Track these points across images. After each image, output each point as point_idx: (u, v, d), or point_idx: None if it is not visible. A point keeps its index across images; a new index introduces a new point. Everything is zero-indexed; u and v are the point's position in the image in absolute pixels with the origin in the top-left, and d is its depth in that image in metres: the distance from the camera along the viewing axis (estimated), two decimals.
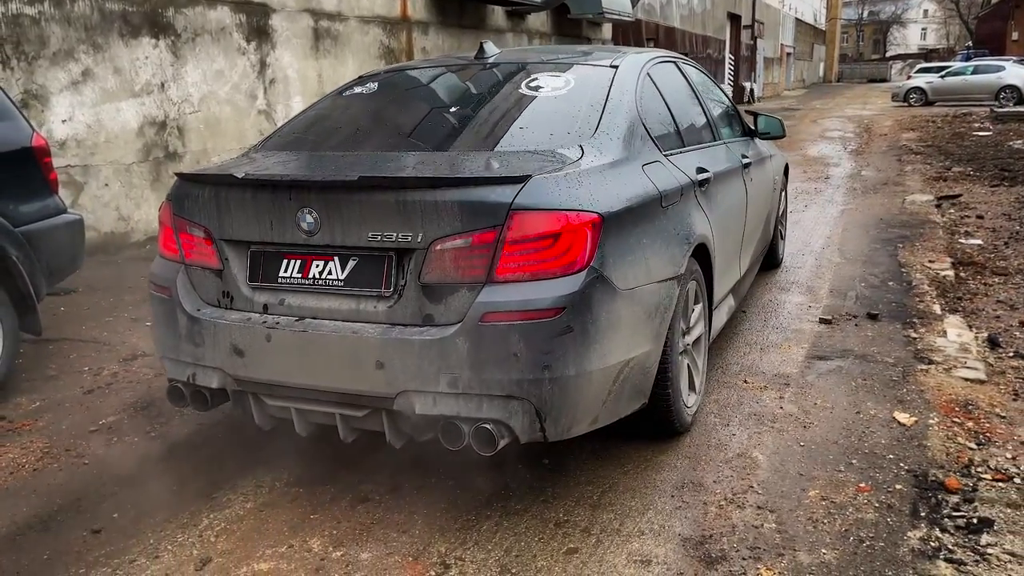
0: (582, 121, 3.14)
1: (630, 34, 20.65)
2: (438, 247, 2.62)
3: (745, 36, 34.02)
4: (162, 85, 7.84)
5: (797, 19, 48.36)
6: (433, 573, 2.59)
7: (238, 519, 2.94)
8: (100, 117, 7.26)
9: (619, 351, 2.80)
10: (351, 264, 2.77)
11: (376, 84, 3.77)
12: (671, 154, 3.51)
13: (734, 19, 32.64)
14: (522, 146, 3.00)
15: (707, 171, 3.74)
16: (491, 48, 3.85)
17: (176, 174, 3.11)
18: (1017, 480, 3.04)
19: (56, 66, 6.86)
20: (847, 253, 6.86)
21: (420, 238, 2.63)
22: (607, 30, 19.45)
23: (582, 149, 2.96)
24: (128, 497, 3.13)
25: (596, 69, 3.53)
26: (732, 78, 32.89)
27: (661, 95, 3.76)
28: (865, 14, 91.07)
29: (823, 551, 2.62)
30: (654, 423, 3.28)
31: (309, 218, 2.74)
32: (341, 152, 3.16)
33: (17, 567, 2.69)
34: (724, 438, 3.45)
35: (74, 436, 3.69)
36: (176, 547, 2.77)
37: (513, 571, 2.57)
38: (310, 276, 2.83)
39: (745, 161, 4.59)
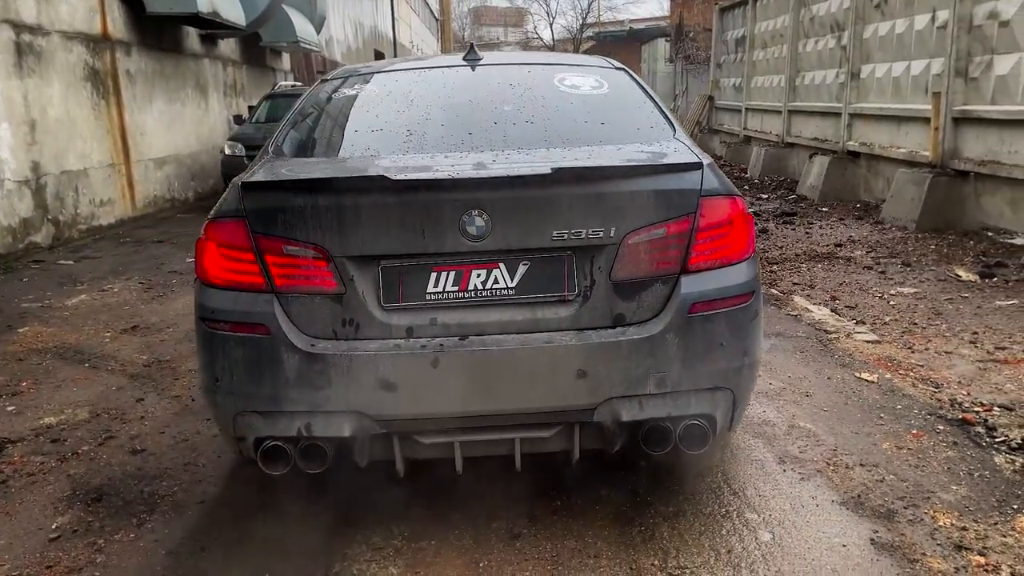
0: (648, 118, 3.13)
1: (303, 66, 20.28)
2: (631, 240, 2.47)
3: None
4: None
5: None
6: None
7: None
8: None
9: None
10: (522, 269, 2.48)
11: (386, 84, 3.34)
12: None
13: (379, 56, 33.64)
14: (624, 140, 2.91)
15: None
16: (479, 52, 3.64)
17: (247, 183, 2.50)
18: (997, 410, 3.67)
19: None
20: None
21: (612, 232, 2.46)
22: (287, 60, 18.88)
23: (680, 143, 2.96)
24: None
25: (609, 69, 3.52)
26: None
27: None
28: None
29: (954, 487, 2.95)
30: None
31: (479, 221, 2.40)
32: (454, 151, 2.74)
33: None
34: (754, 416, 3.66)
35: (35, 549, 2.73)
36: None
37: None
38: (470, 288, 2.47)
39: None
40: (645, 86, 3.43)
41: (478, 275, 2.48)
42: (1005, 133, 7.57)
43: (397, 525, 2.78)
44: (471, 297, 2.48)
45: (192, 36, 12.83)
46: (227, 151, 11.16)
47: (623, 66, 3.63)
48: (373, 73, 3.54)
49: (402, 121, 3.02)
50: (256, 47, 15.88)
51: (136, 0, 10.57)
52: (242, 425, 2.52)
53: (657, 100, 3.30)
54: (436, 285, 2.47)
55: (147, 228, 10.09)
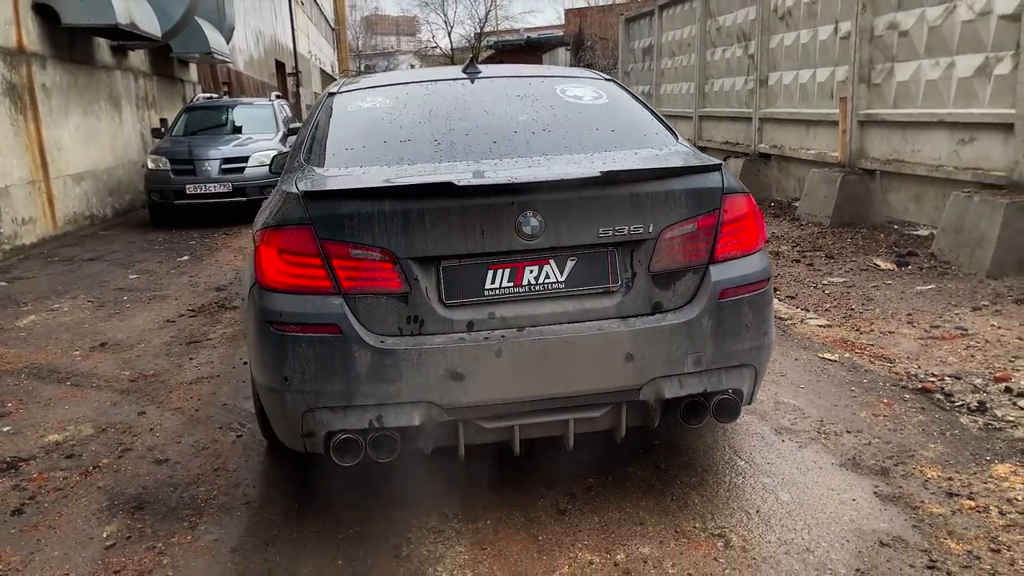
0: (650, 125, 3.41)
1: (209, 76, 19.83)
2: (668, 235, 2.75)
3: (291, 83, 34.59)
4: None
5: (321, 69, 50.60)
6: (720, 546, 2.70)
7: (470, 564, 2.63)
8: None
9: None
10: (570, 264, 2.72)
11: (398, 97, 3.49)
12: None
13: (280, 66, 33.05)
14: (636, 145, 3.18)
15: None
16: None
17: (311, 192, 2.63)
18: (948, 379, 4.14)
19: None
20: None
21: (651, 228, 2.73)
22: (194, 71, 18.43)
23: (685, 147, 3.26)
24: None
25: (602, 81, 3.79)
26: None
27: None
28: (362, 67, 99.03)
29: (932, 446, 3.35)
30: None
31: (533, 221, 2.63)
32: (483, 158, 2.95)
33: None
34: None
35: (94, 557, 2.77)
36: None
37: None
38: (524, 283, 2.69)
39: None
40: (637, 96, 3.72)
41: (531, 271, 2.70)
42: (908, 134, 8.29)
43: (449, 509, 2.97)
44: (525, 292, 2.70)
45: (103, 48, 12.44)
46: (151, 165, 10.88)
47: (611, 78, 3.91)
48: (381, 86, 3.70)
49: (427, 131, 3.20)
50: (165, 58, 15.48)
51: (50, 11, 10.22)
52: (311, 421, 2.65)
53: (652, 109, 3.59)
54: (493, 282, 2.68)
55: (72, 246, 9.76)
